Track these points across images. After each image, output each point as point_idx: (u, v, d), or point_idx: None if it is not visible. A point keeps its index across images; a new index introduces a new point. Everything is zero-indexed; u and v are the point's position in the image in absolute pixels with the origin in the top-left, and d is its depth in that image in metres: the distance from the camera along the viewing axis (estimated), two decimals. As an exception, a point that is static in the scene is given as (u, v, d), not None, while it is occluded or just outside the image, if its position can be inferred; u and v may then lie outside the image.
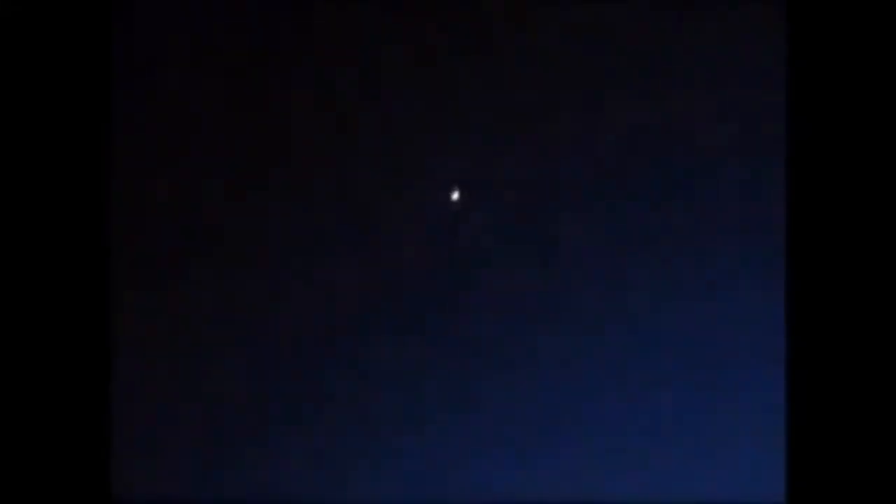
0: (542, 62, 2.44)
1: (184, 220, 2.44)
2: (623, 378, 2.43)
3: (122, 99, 2.40)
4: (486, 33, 2.44)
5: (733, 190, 2.44)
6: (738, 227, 2.44)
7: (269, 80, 2.45)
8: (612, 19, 2.43)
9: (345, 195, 2.45)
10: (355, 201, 2.45)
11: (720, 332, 2.44)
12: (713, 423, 2.43)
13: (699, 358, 2.44)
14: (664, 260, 2.44)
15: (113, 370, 2.32)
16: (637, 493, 2.43)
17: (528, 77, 2.44)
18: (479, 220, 2.44)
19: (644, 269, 2.44)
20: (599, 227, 2.44)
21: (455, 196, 2.44)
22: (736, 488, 2.41)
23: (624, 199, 2.44)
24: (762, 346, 2.41)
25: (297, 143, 2.45)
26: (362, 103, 2.45)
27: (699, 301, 2.44)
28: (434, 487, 2.43)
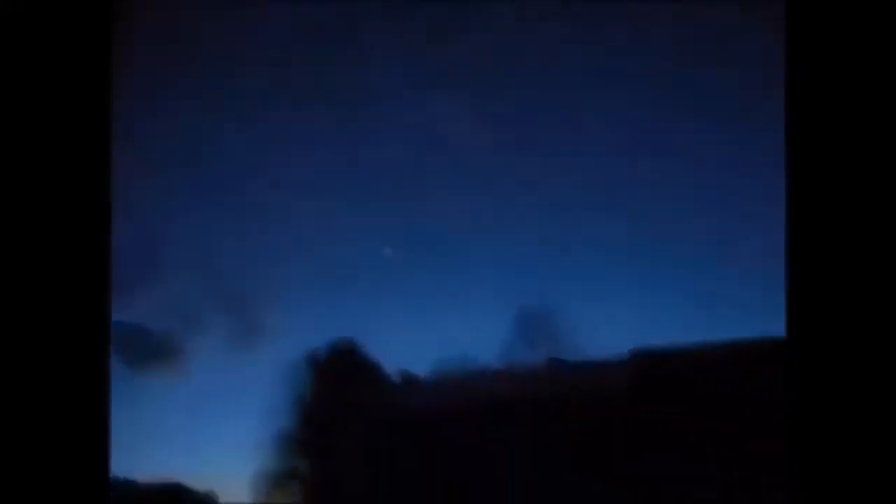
0: (541, 62, 2.45)
1: (184, 220, 2.45)
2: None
3: (121, 99, 2.40)
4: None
5: (733, 194, 2.45)
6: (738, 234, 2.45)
7: (269, 80, 2.45)
8: (612, 19, 2.44)
9: (344, 194, 2.46)
10: (354, 201, 2.46)
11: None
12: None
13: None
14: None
15: (113, 370, 2.33)
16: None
17: (529, 77, 2.45)
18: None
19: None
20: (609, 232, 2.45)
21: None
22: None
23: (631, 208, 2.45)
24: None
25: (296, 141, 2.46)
26: (362, 103, 2.45)
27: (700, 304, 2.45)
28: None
